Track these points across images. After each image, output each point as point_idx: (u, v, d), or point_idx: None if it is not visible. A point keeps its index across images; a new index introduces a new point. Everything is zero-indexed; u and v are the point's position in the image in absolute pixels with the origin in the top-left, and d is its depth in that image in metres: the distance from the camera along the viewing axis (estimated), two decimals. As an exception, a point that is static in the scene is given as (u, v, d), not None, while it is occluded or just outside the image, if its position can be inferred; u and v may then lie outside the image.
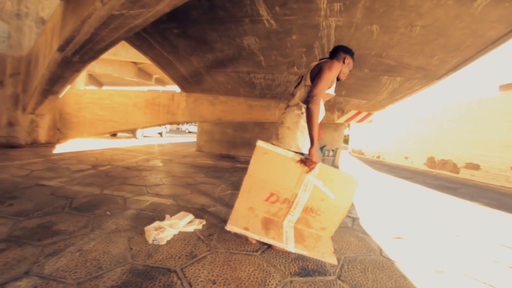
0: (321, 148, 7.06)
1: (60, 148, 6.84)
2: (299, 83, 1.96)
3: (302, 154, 1.76)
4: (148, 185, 3.85)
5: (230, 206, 3.12)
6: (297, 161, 1.70)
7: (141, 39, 4.29)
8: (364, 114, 7.14)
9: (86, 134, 8.70)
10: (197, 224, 2.48)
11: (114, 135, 13.43)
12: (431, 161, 10.92)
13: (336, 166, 8.35)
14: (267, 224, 1.88)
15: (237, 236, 2.25)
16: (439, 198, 5.08)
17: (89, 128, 8.56)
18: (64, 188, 3.23)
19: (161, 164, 5.89)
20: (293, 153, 1.75)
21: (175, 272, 1.67)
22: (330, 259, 1.80)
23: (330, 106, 7.07)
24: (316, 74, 1.70)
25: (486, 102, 9.01)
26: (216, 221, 2.67)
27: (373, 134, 15.77)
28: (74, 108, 8.39)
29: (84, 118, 8.40)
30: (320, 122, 1.89)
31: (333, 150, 7.27)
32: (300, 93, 1.84)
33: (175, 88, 10.36)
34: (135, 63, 13.48)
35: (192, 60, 4.99)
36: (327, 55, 4.01)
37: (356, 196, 4.23)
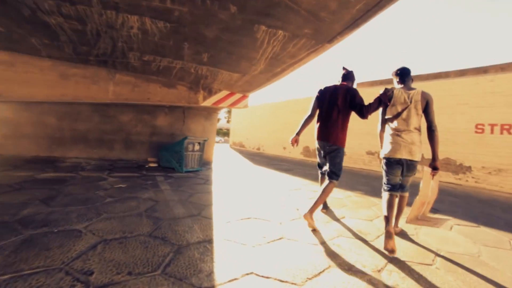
0: (181, 141, 4.94)
1: None
2: (404, 110, 2.33)
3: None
4: None
5: None
6: (431, 173, 2.30)
7: None
8: (238, 96, 5.52)
9: None
10: None
11: None
12: (306, 150, 10.92)
13: (207, 163, 6.50)
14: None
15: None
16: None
17: None
18: None
19: None
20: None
21: None
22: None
23: (193, 83, 5.02)
24: (426, 106, 2.30)
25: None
26: None
27: (253, 126, 15.12)
28: None
29: None
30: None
31: (199, 143, 5.29)
32: (414, 120, 2.29)
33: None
34: None
35: None
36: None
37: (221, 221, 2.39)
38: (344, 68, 2.90)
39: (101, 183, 3.70)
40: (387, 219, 2.24)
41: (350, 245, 2.19)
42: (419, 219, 2.39)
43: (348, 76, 2.87)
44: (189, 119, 6.83)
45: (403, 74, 2.47)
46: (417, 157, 2.30)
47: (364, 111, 2.54)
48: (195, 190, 3.69)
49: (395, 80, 2.56)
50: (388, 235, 2.11)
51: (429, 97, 2.28)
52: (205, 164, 6.58)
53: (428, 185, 2.31)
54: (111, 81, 4.36)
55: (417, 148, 2.29)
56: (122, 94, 4.49)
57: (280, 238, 2.19)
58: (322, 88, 2.84)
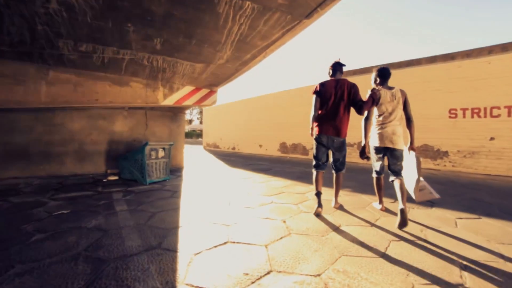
0: (141, 149, 4.17)
1: None
2: (389, 106, 2.71)
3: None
4: None
5: None
6: (410, 149, 2.69)
7: None
8: (204, 92, 4.81)
9: None
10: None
11: None
12: (283, 147, 10.49)
13: (176, 170, 5.68)
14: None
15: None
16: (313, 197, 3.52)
17: None
18: None
19: None
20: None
21: None
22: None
23: (150, 79, 4.26)
24: (405, 102, 2.68)
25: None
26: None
27: (226, 125, 14.43)
28: None
29: None
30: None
31: (164, 149, 4.56)
32: (397, 114, 2.65)
33: None
34: None
35: None
36: None
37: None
38: (339, 59, 2.88)
39: (35, 211, 2.85)
40: (379, 198, 2.99)
41: (358, 268, 1.67)
42: (419, 193, 2.75)
43: (341, 69, 2.88)
44: (153, 121, 5.97)
45: (385, 75, 2.77)
46: (399, 146, 2.64)
47: (363, 108, 2.72)
48: (159, 208, 2.98)
49: (377, 79, 2.82)
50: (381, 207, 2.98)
51: (406, 94, 2.70)
52: (174, 171, 5.80)
53: (417, 164, 2.66)
54: (43, 80, 3.45)
55: (397, 138, 2.64)
56: (61, 95, 3.60)
57: (268, 273, 1.61)
58: (324, 82, 2.83)
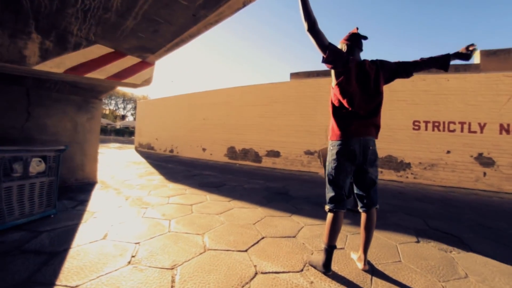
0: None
1: None
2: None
3: None
4: None
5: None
6: None
7: None
8: (131, 61, 2.59)
9: None
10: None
11: None
12: (232, 152, 8.83)
13: (82, 188, 3.30)
14: None
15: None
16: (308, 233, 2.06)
17: None
18: None
19: None
20: None
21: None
22: None
23: (3, 7, 1.81)
24: None
25: (281, 88, 7.85)
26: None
27: (164, 123, 11.91)
28: None
29: None
30: None
31: (45, 158, 2.27)
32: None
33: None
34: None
35: None
36: None
37: None
38: (356, 30, 1.86)
39: None
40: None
41: None
42: None
43: (361, 45, 1.87)
44: (43, 108, 3.48)
45: None
46: None
47: None
48: None
49: None
50: None
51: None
52: (77, 191, 3.50)
53: None
54: None
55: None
56: None
57: None
58: (352, 56, 1.73)
